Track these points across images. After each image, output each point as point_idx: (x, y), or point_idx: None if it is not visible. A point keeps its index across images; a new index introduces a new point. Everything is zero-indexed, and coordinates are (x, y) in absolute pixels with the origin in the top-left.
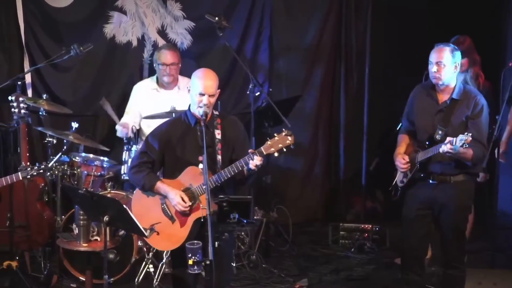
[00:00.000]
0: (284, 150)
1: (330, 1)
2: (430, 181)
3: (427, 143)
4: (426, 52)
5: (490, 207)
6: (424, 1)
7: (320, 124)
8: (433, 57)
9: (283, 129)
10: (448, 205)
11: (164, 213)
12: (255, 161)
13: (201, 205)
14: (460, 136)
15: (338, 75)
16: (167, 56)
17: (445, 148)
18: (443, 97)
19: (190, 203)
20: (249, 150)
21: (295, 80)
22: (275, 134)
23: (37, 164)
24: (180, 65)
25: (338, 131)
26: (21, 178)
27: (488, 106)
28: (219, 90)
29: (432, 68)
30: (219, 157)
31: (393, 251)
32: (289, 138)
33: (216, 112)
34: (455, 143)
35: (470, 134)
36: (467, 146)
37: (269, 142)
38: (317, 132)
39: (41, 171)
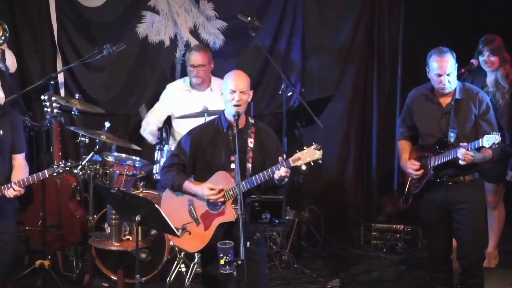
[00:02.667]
0: (312, 164)
1: (363, 1)
2: (444, 184)
3: (437, 147)
4: (459, 52)
5: None
6: (456, 1)
7: (352, 125)
8: (440, 69)
9: (313, 143)
10: (463, 205)
11: (190, 215)
12: (281, 172)
13: (226, 210)
14: (487, 137)
15: (370, 75)
16: (195, 58)
17: (461, 156)
18: (446, 99)
19: (220, 188)
20: (279, 158)
21: (328, 80)
22: (305, 147)
23: (62, 161)
24: (212, 66)
25: (370, 131)
26: (47, 176)
27: None
28: (252, 92)
29: (444, 80)
30: (249, 165)
31: (425, 251)
32: (318, 152)
33: (251, 121)
34: (481, 144)
35: (499, 133)
36: (496, 145)
37: (297, 154)
38: (349, 132)
39: (67, 168)
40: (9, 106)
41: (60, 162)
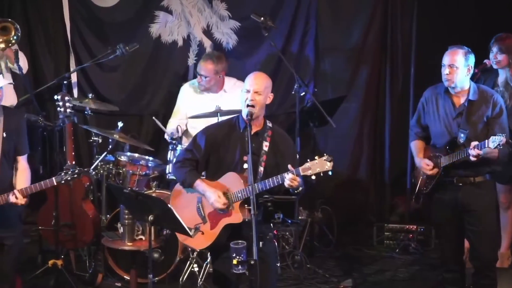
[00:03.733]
0: (321, 174)
1: (376, 1)
2: (454, 184)
3: (447, 147)
4: (473, 52)
5: None
6: (470, 1)
7: (365, 125)
8: (446, 59)
9: (325, 154)
10: (474, 206)
11: (198, 213)
12: (289, 180)
13: (233, 212)
14: (493, 138)
15: (383, 76)
16: (200, 66)
17: (473, 152)
18: (460, 100)
19: (227, 201)
20: (288, 166)
21: (340, 80)
22: (316, 157)
23: (70, 169)
24: (220, 77)
25: (383, 131)
26: (55, 184)
27: None
28: (272, 94)
29: (445, 71)
30: (261, 168)
31: (438, 252)
32: (328, 164)
33: (269, 124)
34: (487, 145)
35: (505, 135)
36: (501, 147)
37: (308, 164)
38: (362, 132)
39: (75, 176)
40: (14, 108)
41: (68, 170)
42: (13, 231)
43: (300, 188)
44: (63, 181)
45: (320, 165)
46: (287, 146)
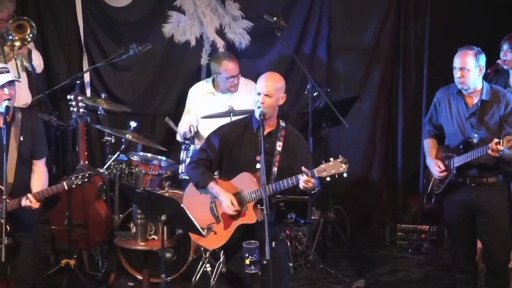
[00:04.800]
0: (336, 176)
1: (389, 1)
2: (467, 185)
3: (461, 147)
4: (485, 52)
5: None
6: (483, 2)
7: (378, 125)
8: (456, 62)
9: (340, 156)
10: (486, 207)
11: (211, 212)
12: (304, 182)
13: (247, 212)
14: (507, 138)
15: (396, 76)
16: (233, 67)
17: (491, 152)
18: (473, 100)
19: (239, 208)
20: (302, 168)
21: (353, 80)
22: (331, 159)
23: (80, 173)
24: None
25: (396, 132)
26: (66, 188)
27: None
28: (284, 95)
29: (456, 74)
30: (274, 168)
31: (450, 252)
32: (343, 166)
33: (282, 124)
34: (502, 144)
35: None
36: None
37: (323, 166)
38: (375, 132)
39: (85, 180)
40: (31, 111)
41: (79, 173)
42: (29, 233)
43: (316, 189)
44: (74, 185)
45: (335, 167)
46: (301, 146)
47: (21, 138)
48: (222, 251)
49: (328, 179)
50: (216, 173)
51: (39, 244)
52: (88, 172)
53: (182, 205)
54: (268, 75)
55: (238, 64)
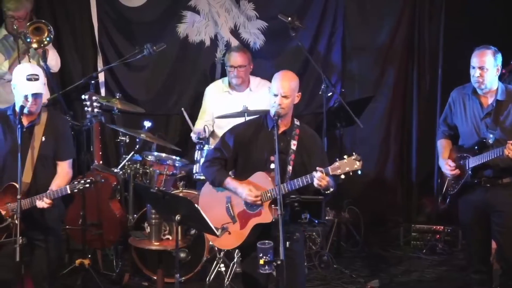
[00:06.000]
0: (351, 174)
1: (403, 1)
2: (482, 185)
3: (476, 147)
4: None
5: None
6: (498, 2)
7: (393, 125)
8: (474, 61)
9: (354, 153)
10: (501, 207)
11: (227, 212)
12: (318, 179)
13: (263, 211)
14: None
15: (410, 76)
16: (235, 58)
17: (508, 153)
18: (488, 100)
19: (258, 193)
20: (317, 168)
21: (368, 80)
22: (345, 157)
23: (84, 179)
24: (251, 67)
25: (410, 132)
26: (69, 192)
27: None
28: (299, 94)
29: (475, 73)
30: (289, 167)
31: (465, 252)
32: (357, 163)
33: (297, 123)
34: None
35: None
36: None
37: (337, 163)
38: (389, 132)
39: (87, 185)
40: (58, 112)
41: (81, 179)
42: (50, 235)
43: (332, 189)
44: (75, 190)
45: (349, 164)
46: (315, 145)
47: (43, 139)
48: (237, 251)
49: (342, 176)
50: (230, 173)
51: (57, 249)
52: (90, 178)
53: (196, 205)
54: (283, 75)
55: (246, 58)
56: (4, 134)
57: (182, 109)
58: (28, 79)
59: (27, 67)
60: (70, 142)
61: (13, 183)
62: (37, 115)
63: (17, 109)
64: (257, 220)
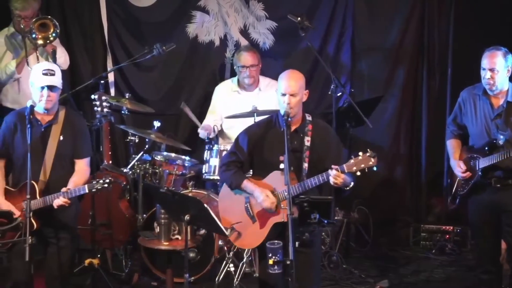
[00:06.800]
0: (366, 170)
1: (413, 1)
2: (492, 186)
3: (486, 148)
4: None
5: None
6: (507, 2)
7: (402, 125)
8: (485, 63)
9: (368, 150)
10: (511, 207)
11: (246, 212)
12: (334, 177)
13: (282, 210)
14: None
15: (420, 76)
16: (246, 58)
17: None
18: (498, 101)
19: (275, 200)
20: (332, 166)
21: (377, 80)
22: (360, 153)
23: (103, 178)
24: (260, 66)
25: (420, 132)
26: (87, 191)
27: None
28: (307, 91)
29: (486, 75)
30: (305, 164)
31: (474, 253)
32: (372, 160)
33: (309, 118)
34: None
35: None
36: None
37: (352, 161)
38: (399, 132)
39: (106, 185)
40: (75, 112)
41: (100, 179)
42: (66, 233)
43: (352, 184)
44: (94, 190)
45: (364, 161)
46: (330, 137)
47: (61, 138)
48: (246, 251)
49: (358, 173)
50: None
51: (72, 248)
52: (109, 178)
53: (205, 205)
54: (289, 74)
55: (256, 57)
56: (22, 133)
57: (183, 103)
58: (44, 74)
59: (45, 64)
60: (88, 140)
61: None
62: (55, 114)
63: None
64: (276, 219)
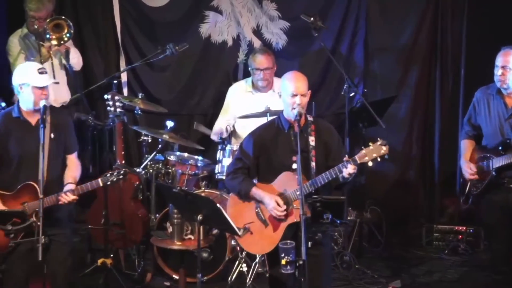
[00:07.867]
0: (378, 159)
1: (426, 2)
2: (506, 186)
3: (500, 148)
4: None
5: None
6: None
7: (415, 125)
8: (498, 60)
9: (378, 138)
10: None
11: (258, 216)
12: (349, 169)
13: (294, 211)
14: None
15: (433, 77)
16: (261, 61)
17: None
18: None
19: (285, 207)
20: (344, 158)
21: (390, 81)
22: (370, 144)
23: (116, 171)
24: (275, 69)
25: (433, 132)
26: (101, 185)
27: None
28: (309, 91)
29: (498, 72)
30: (313, 163)
31: (487, 253)
32: (384, 148)
33: (310, 118)
34: None
35: None
36: None
37: (363, 151)
38: (412, 133)
39: (121, 177)
40: (60, 108)
41: (115, 170)
42: (63, 230)
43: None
44: (108, 182)
45: (375, 150)
46: (332, 136)
47: (52, 136)
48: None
49: (370, 164)
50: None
51: (72, 247)
52: (124, 169)
53: (218, 205)
54: (296, 76)
55: (271, 60)
56: (14, 136)
57: (195, 123)
58: (41, 73)
59: (33, 63)
60: (74, 135)
61: (30, 182)
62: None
63: (31, 107)
64: (289, 220)
